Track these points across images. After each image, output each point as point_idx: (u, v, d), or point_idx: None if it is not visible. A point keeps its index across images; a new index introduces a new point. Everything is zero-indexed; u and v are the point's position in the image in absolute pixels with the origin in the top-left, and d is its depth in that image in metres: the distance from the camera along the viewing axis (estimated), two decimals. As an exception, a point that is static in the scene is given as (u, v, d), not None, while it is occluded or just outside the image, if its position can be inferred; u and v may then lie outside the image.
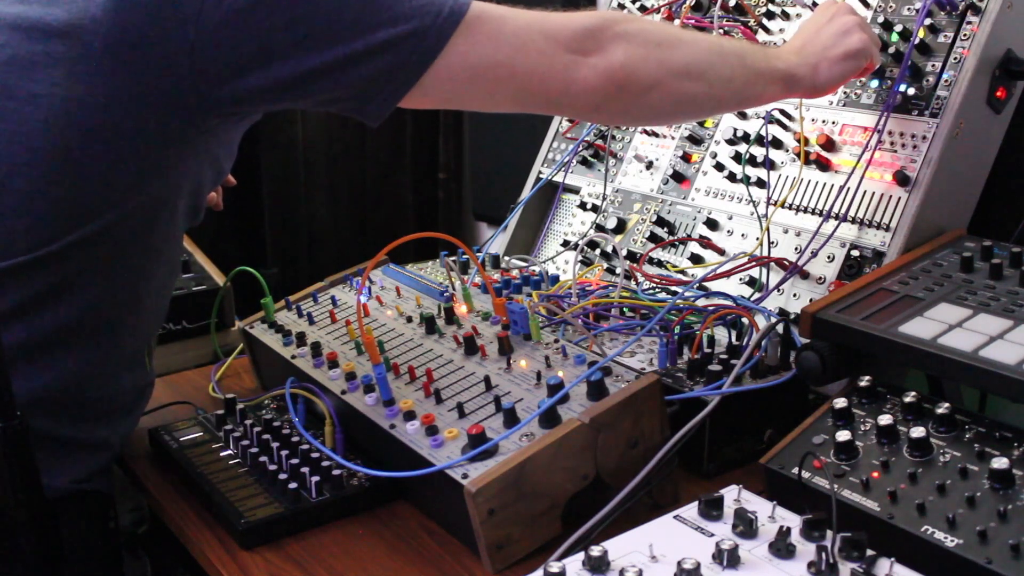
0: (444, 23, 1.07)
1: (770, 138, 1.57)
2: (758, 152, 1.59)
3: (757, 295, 1.48)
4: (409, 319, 1.37)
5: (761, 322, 1.34)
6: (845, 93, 1.52)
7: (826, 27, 1.34)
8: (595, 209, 1.81)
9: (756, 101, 1.36)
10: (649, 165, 1.75)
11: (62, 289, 1.11)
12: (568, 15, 1.16)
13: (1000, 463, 0.96)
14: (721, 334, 1.36)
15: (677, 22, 1.73)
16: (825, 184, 1.49)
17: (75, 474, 1.17)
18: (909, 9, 1.48)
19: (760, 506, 0.94)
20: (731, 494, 0.96)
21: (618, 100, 1.17)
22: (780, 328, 1.26)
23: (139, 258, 1.17)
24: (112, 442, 1.23)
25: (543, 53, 1.12)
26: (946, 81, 1.40)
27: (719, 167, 1.63)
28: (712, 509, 0.93)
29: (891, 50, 1.48)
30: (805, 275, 1.46)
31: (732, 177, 1.61)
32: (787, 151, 1.56)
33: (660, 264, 1.64)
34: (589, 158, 1.87)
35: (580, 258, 1.76)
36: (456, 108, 1.23)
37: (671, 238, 1.66)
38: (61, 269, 1.10)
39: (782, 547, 0.86)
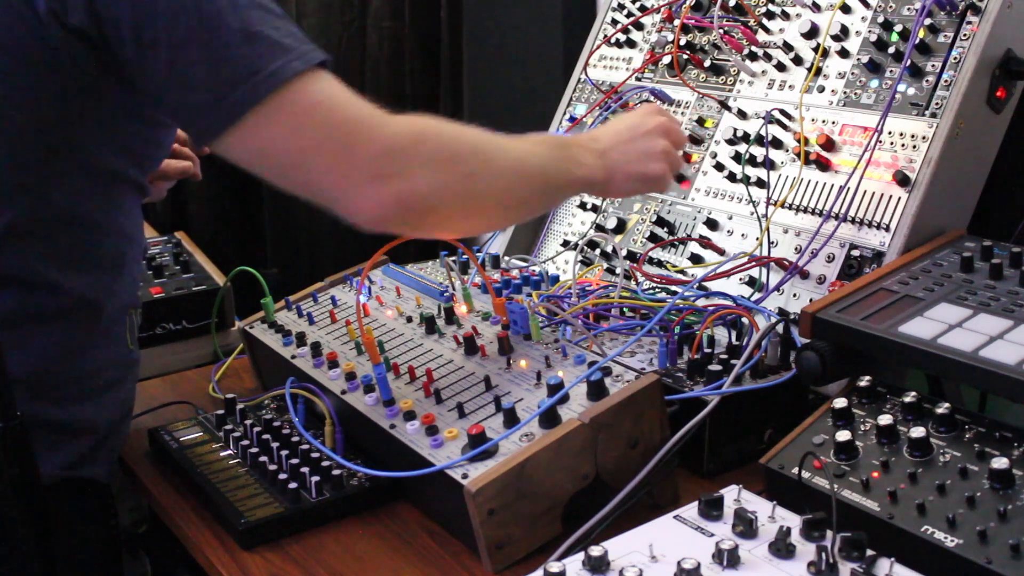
0: (246, 94, 1.01)
1: (770, 138, 1.57)
2: (758, 152, 1.59)
3: (757, 295, 1.48)
4: (409, 319, 1.37)
5: (761, 322, 1.34)
6: (845, 93, 1.52)
7: (636, 141, 1.32)
8: (595, 209, 1.81)
9: (549, 209, 1.34)
10: (649, 165, 1.75)
11: (12, 272, 1.11)
12: (387, 123, 1.06)
13: (1000, 463, 0.96)
14: (721, 334, 1.36)
15: (677, 22, 1.74)
16: (825, 184, 1.49)
17: (62, 460, 1.16)
18: (909, 9, 1.48)
19: (760, 506, 0.94)
20: (731, 494, 0.96)
21: (403, 225, 1.09)
22: (780, 328, 1.26)
23: (84, 233, 1.16)
24: (97, 424, 1.21)
25: (338, 162, 1.04)
26: (946, 81, 1.40)
27: (719, 167, 1.63)
28: (712, 509, 0.93)
29: (891, 50, 1.48)
30: (805, 275, 1.46)
31: (732, 177, 1.61)
32: (787, 151, 1.56)
33: (660, 264, 1.64)
34: (589, 158, 1.86)
35: (580, 258, 1.76)
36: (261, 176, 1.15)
37: (671, 238, 1.66)
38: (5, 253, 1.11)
39: (782, 547, 0.86)
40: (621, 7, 1.91)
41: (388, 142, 1.05)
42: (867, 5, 1.53)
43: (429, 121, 1.10)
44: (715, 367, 1.21)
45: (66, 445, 1.17)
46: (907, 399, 1.10)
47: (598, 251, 1.76)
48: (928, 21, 1.43)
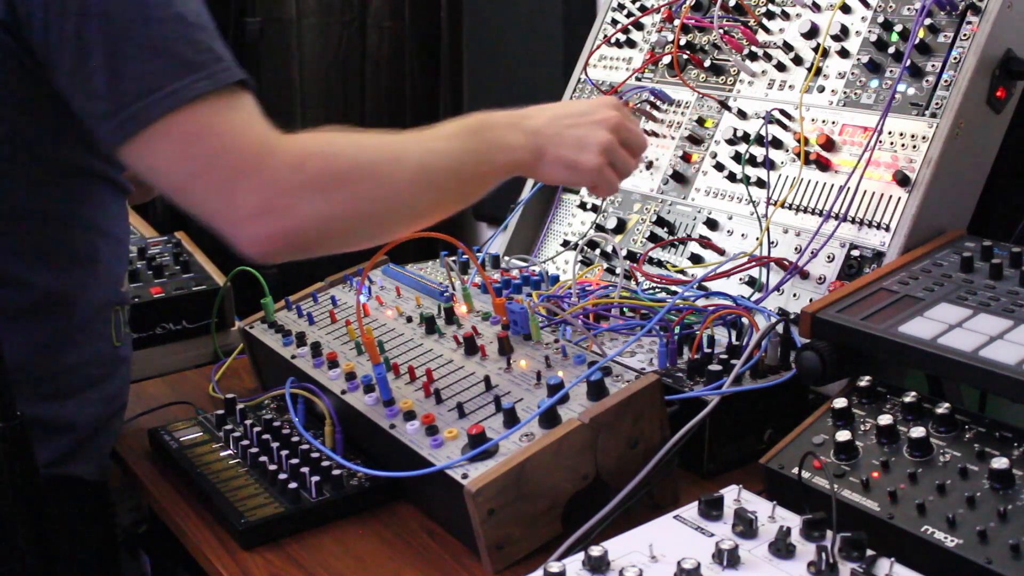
0: (141, 112, 0.99)
1: (770, 138, 1.57)
2: (758, 152, 1.59)
3: (757, 295, 1.48)
4: (409, 319, 1.37)
5: (761, 322, 1.34)
6: (845, 93, 1.52)
7: (576, 127, 1.24)
8: (595, 209, 1.81)
9: (476, 199, 1.21)
10: (649, 165, 1.75)
11: None
12: (276, 152, 1.01)
13: (1000, 463, 0.96)
14: (721, 334, 1.36)
15: (677, 22, 1.74)
16: (825, 184, 1.49)
17: (43, 457, 1.13)
18: (909, 9, 1.48)
19: (760, 506, 0.94)
20: (731, 494, 0.96)
21: (294, 256, 1.04)
22: (780, 328, 1.26)
23: (48, 227, 1.15)
24: (79, 422, 1.20)
25: (221, 193, 1.00)
26: (946, 81, 1.40)
27: (719, 167, 1.63)
28: (712, 509, 0.93)
29: (891, 50, 1.48)
30: (805, 275, 1.46)
31: (732, 177, 1.62)
32: (787, 151, 1.56)
33: (660, 264, 1.64)
34: (589, 158, 1.86)
35: (580, 258, 1.76)
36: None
37: (671, 238, 1.66)
38: None
39: (782, 547, 0.86)
40: (621, 7, 1.91)
41: (272, 175, 1.00)
42: (867, 5, 1.53)
43: (320, 142, 1.06)
44: (715, 367, 1.21)
45: (46, 442, 1.16)
46: (907, 399, 1.10)
47: (598, 251, 1.76)
48: (928, 21, 1.43)
